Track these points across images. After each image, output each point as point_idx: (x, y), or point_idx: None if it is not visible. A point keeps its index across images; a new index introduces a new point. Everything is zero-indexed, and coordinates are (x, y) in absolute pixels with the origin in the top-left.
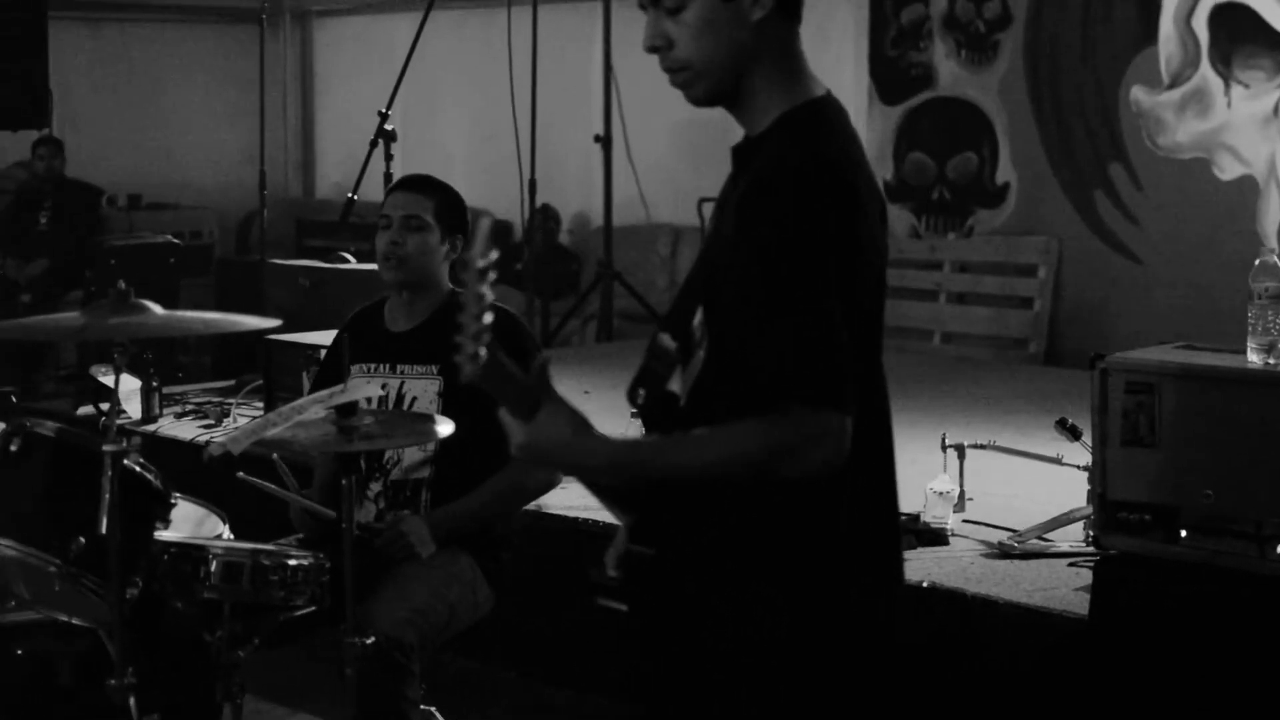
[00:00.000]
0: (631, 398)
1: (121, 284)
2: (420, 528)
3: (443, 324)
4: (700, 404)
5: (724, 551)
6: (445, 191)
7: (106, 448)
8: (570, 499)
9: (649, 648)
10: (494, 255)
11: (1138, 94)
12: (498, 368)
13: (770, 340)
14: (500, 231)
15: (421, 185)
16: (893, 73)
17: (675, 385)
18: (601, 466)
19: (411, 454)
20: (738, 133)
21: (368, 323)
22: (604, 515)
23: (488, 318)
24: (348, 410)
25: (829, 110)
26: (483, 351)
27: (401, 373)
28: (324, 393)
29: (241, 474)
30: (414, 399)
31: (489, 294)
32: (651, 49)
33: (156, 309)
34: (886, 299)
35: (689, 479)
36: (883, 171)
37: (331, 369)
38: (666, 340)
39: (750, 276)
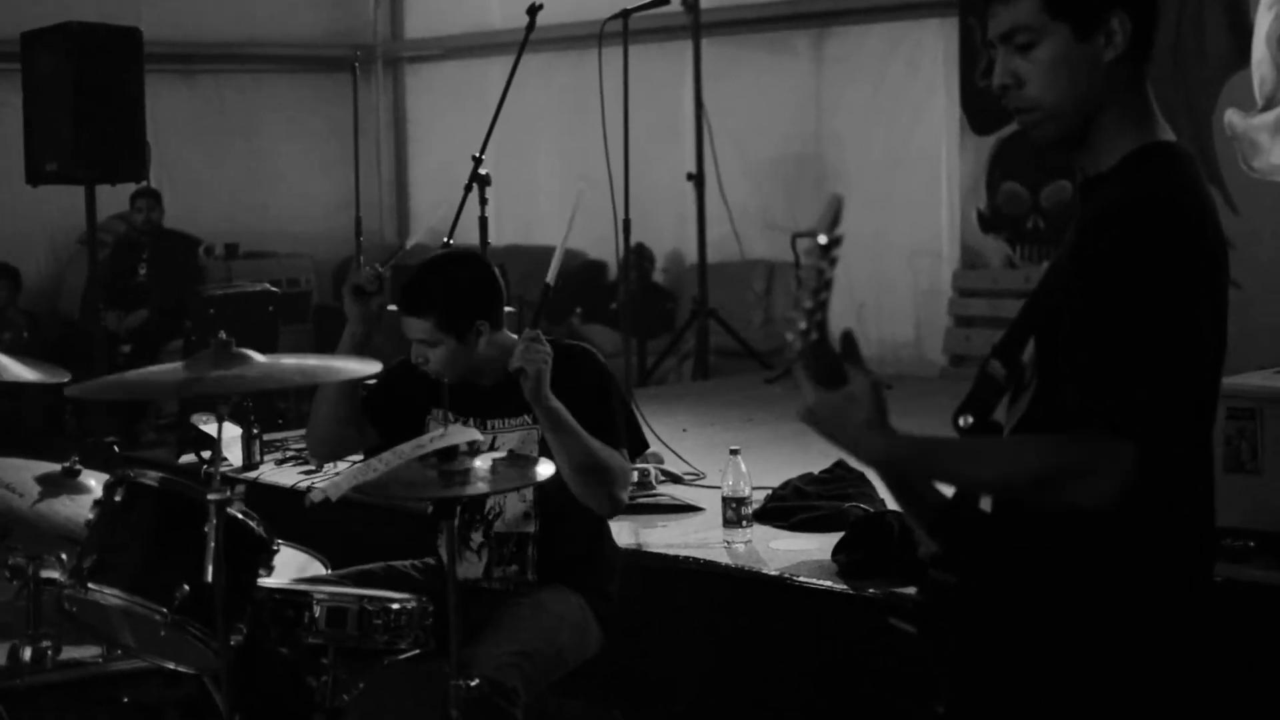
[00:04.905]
0: (955, 422)
1: (222, 334)
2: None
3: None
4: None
5: (1032, 586)
6: (440, 296)
7: (211, 496)
8: (670, 537)
9: (945, 675)
10: (838, 233)
11: (1231, 117)
12: (823, 354)
13: (1087, 363)
14: (594, 271)
15: (414, 305)
16: (984, 103)
17: (1001, 414)
18: (882, 460)
19: (514, 507)
20: (831, 169)
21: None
22: (703, 552)
23: (823, 296)
24: (448, 455)
25: (1177, 154)
26: (814, 334)
27: (493, 427)
28: (425, 438)
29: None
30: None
31: (830, 271)
32: (1000, 88)
33: (258, 358)
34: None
35: (970, 486)
36: (975, 202)
37: (384, 399)
38: (996, 367)
39: (1085, 303)
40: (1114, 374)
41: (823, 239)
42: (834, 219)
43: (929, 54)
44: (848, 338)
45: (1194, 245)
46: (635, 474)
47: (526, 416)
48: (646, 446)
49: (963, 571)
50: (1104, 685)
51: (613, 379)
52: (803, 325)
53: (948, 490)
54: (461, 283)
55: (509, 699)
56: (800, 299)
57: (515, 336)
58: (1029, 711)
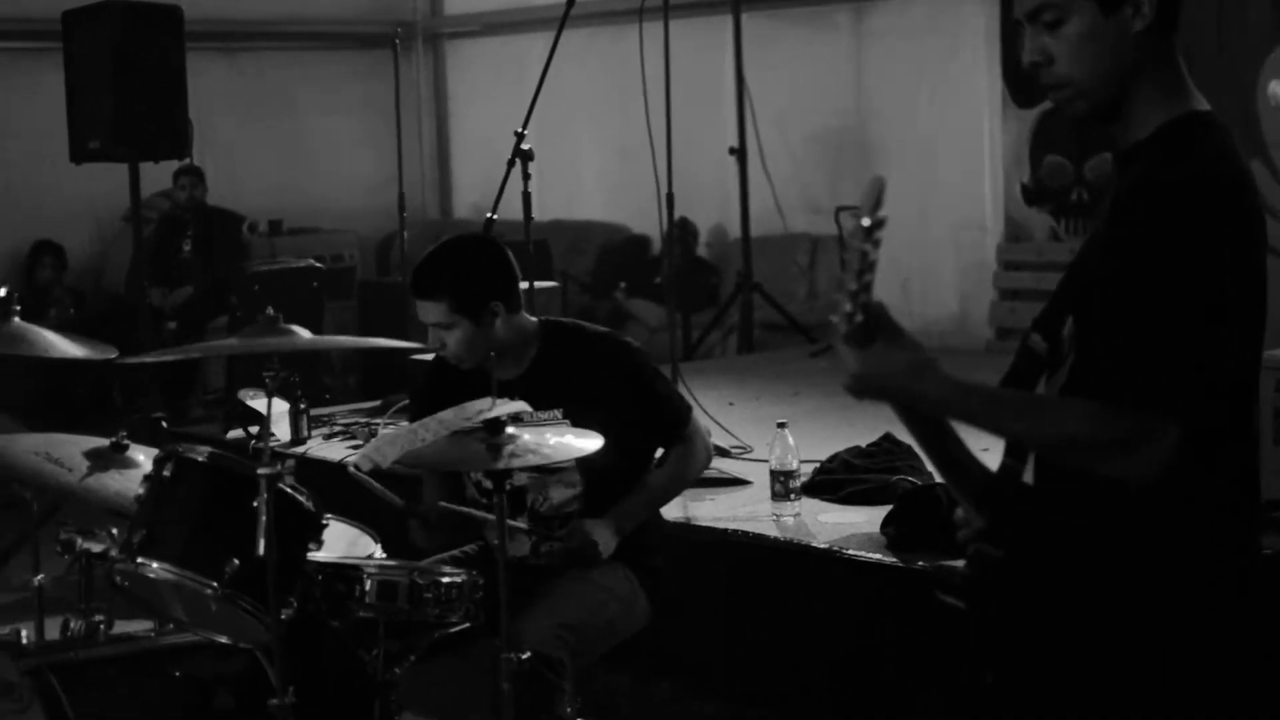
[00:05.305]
0: None
1: (270, 310)
2: (604, 531)
3: (549, 362)
4: None
5: (1077, 560)
6: (453, 276)
7: (261, 471)
8: (718, 511)
9: (993, 649)
10: (881, 215)
11: (1275, 89)
12: (868, 333)
13: (1126, 339)
14: (638, 246)
15: (427, 287)
16: (1026, 76)
17: (1041, 389)
18: (933, 401)
19: (560, 494)
20: (873, 143)
21: (466, 369)
22: (751, 525)
23: (868, 278)
24: (496, 427)
25: (1212, 124)
26: (860, 316)
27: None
28: (470, 406)
29: (353, 468)
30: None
31: (874, 253)
32: (1031, 65)
33: (304, 334)
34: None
35: (1009, 438)
36: (1019, 175)
37: (432, 398)
38: (1037, 341)
39: (1118, 280)
40: (1144, 354)
41: (866, 221)
42: (876, 201)
43: (970, 27)
44: (879, 309)
45: (1225, 220)
46: (700, 438)
47: (556, 410)
48: (690, 409)
49: (1008, 546)
50: (1151, 659)
51: (645, 359)
52: (848, 307)
53: (991, 462)
54: (473, 264)
55: (556, 672)
56: (845, 281)
57: (535, 320)
58: (1075, 685)
